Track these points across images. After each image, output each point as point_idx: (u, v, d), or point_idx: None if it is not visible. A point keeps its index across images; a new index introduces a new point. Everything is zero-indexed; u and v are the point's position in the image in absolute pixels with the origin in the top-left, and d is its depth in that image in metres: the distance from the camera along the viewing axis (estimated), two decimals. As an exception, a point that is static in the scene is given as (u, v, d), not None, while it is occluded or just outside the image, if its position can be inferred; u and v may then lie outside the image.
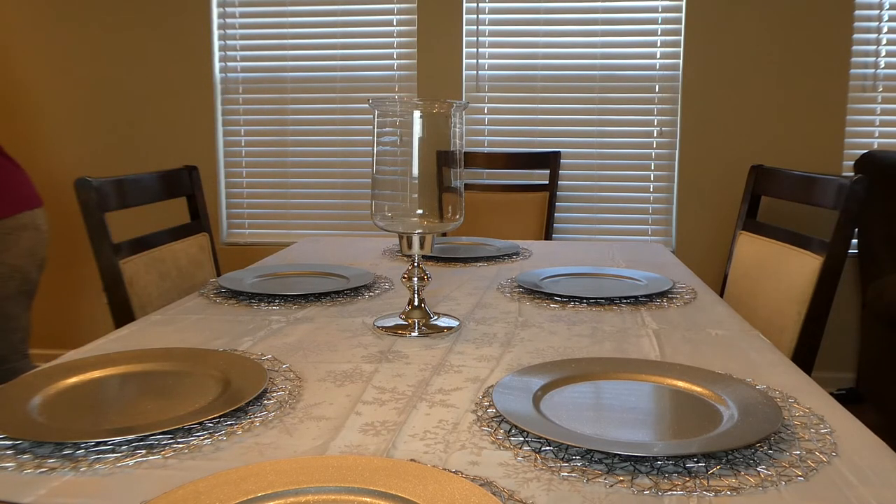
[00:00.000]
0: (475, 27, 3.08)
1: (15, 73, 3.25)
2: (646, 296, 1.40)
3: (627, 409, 0.85)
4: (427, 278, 1.21)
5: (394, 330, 1.18)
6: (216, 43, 3.19)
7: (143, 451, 0.74)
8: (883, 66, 2.94)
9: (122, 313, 1.56)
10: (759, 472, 0.70)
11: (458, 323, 1.22)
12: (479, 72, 3.11)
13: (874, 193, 2.63)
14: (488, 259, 1.79)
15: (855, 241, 2.82)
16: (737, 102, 2.98)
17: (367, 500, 0.63)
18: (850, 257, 2.84)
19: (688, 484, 0.68)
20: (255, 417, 0.83)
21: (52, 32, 3.21)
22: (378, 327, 1.20)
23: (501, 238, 2.10)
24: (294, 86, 3.19)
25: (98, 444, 0.75)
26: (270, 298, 1.39)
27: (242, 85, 3.21)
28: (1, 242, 2.05)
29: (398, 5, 3.11)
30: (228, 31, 3.19)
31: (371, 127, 1.20)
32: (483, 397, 0.90)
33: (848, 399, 2.90)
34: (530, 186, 2.94)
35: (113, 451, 0.74)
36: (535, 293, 1.44)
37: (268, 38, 3.19)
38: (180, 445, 0.75)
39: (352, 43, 3.15)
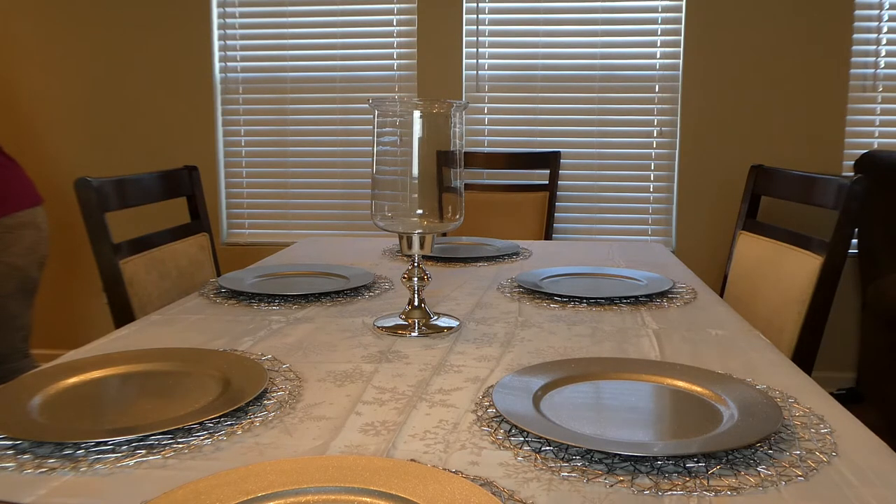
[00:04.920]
0: (475, 27, 3.08)
1: (15, 72, 3.25)
2: (646, 296, 1.40)
3: (627, 409, 0.85)
4: (427, 278, 1.21)
5: (394, 330, 1.18)
6: (216, 43, 3.19)
7: (143, 451, 0.74)
8: (883, 66, 2.94)
9: (122, 313, 1.56)
10: (759, 472, 0.70)
11: (458, 323, 1.22)
12: (479, 72, 3.11)
13: (874, 193, 2.63)
14: (488, 259, 1.79)
15: (855, 241, 2.81)
16: (737, 102, 2.98)
17: (367, 500, 0.63)
18: (850, 257, 2.84)
19: (688, 484, 0.68)
20: (255, 417, 0.83)
21: (52, 32, 3.21)
22: (378, 327, 1.20)
23: (501, 238, 2.10)
24: (294, 86, 3.19)
25: (98, 444, 0.75)
26: (270, 298, 1.39)
27: (242, 85, 3.21)
28: (2, 240, 2.05)
29: (398, 5, 3.11)
30: (228, 31, 3.19)
31: (371, 127, 1.20)
32: (483, 397, 0.90)
33: (848, 399, 2.90)
34: (530, 186, 2.94)
35: (113, 451, 0.74)
36: (535, 293, 1.44)
37: (268, 38, 3.18)
38: (180, 445, 0.75)
39: (352, 43, 3.15)
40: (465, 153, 2.93)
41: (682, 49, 2.99)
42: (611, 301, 1.38)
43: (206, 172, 3.12)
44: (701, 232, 3.05)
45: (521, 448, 0.75)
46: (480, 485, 0.66)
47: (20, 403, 0.84)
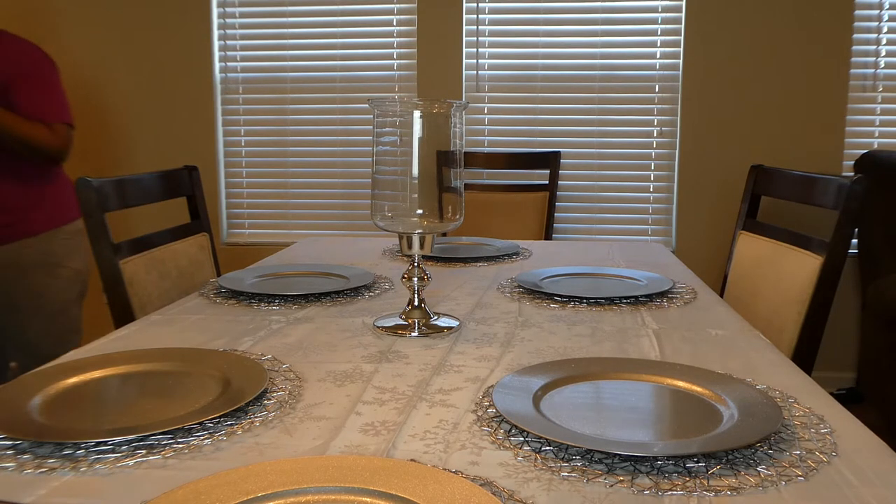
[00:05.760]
0: (475, 27, 3.08)
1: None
2: (646, 296, 1.40)
3: (627, 409, 0.85)
4: (427, 278, 1.21)
5: (394, 330, 1.18)
6: (216, 43, 3.19)
7: (143, 451, 0.74)
8: (883, 66, 2.94)
9: (122, 313, 1.56)
10: (759, 472, 0.70)
11: (458, 323, 1.22)
12: (479, 72, 3.11)
13: (874, 193, 2.63)
14: (488, 259, 1.79)
15: (855, 241, 2.81)
16: (737, 102, 2.98)
17: (367, 500, 0.63)
18: (850, 257, 2.84)
19: (688, 484, 0.68)
20: (255, 417, 0.83)
21: (52, 32, 3.21)
22: (378, 327, 1.20)
23: (501, 238, 2.10)
24: (294, 86, 3.19)
25: (98, 444, 0.75)
26: (270, 298, 1.39)
27: (242, 85, 3.21)
28: (67, 246, 2.10)
29: (398, 5, 3.11)
30: (228, 31, 3.19)
31: (371, 127, 1.20)
32: (483, 397, 0.90)
33: (848, 399, 2.90)
34: (530, 186, 2.94)
35: (113, 451, 0.74)
36: (535, 293, 1.44)
37: (268, 38, 3.18)
38: (180, 445, 0.75)
39: (352, 43, 3.15)
40: (465, 153, 2.93)
41: (682, 49, 2.99)
42: (611, 301, 1.38)
43: (206, 172, 3.12)
44: (701, 232, 3.04)
45: (521, 448, 0.75)
46: (480, 485, 0.66)
47: (20, 403, 0.84)
